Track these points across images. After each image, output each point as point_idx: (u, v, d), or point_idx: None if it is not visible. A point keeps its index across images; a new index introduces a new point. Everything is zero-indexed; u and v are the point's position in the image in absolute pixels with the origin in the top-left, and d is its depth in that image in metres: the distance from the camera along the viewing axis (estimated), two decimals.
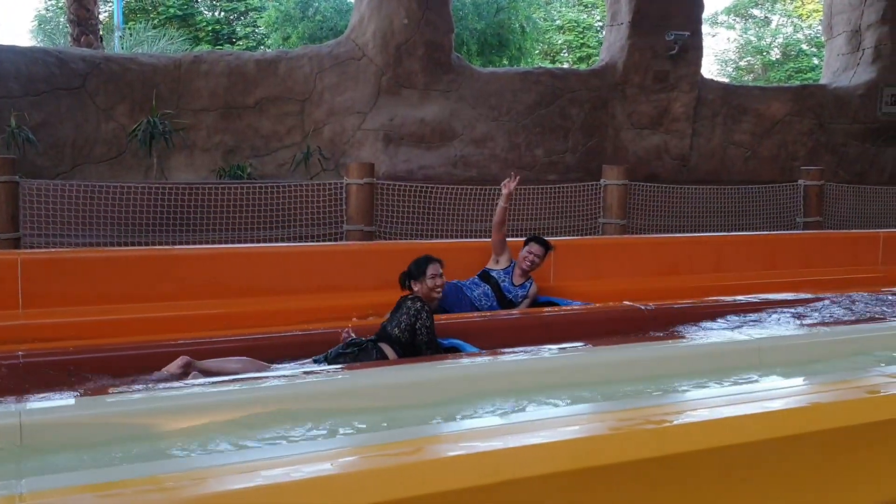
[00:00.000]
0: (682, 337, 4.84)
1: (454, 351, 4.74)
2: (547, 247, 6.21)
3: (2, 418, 3.09)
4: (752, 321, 5.78)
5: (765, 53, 27.93)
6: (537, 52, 23.09)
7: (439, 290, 4.80)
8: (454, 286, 5.84)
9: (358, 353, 4.31)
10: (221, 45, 22.23)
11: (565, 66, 23.54)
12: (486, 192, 10.36)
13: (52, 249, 7.19)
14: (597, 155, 12.64)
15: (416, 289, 4.74)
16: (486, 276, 6.08)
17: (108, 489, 2.01)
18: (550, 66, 21.50)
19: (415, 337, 4.44)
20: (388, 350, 4.39)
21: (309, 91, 11.53)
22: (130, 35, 18.80)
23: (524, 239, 6.29)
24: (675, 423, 2.61)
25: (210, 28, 22.84)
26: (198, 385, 3.68)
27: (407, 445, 2.34)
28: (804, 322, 5.77)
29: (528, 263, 6.11)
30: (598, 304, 6.06)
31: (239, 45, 22.53)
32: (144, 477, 2.13)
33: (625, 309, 5.75)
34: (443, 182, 10.80)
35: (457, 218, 9.84)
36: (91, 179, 9.58)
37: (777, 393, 3.20)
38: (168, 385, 3.78)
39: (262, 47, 21.27)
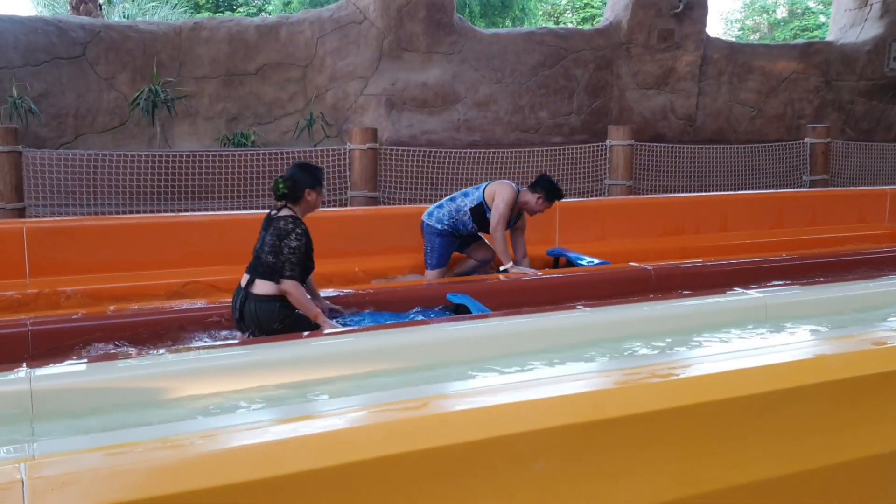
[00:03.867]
0: (688, 295, 4.84)
1: (463, 308, 4.75)
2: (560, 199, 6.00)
3: (13, 384, 3.13)
4: (759, 279, 5.77)
5: (770, 12, 27.57)
6: (540, 12, 22.85)
7: (319, 203, 4.53)
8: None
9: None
10: (222, 11, 22.03)
11: (569, 26, 23.27)
12: (490, 155, 10.32)
13: (57, 218, 7.20)
14: (602, 116, 12.55)
15: (309, 198, 4.40)
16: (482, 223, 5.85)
17: (116, 449, 2.03)
18: (554, 26, 21.26)
19: (278, 257, 4.21)
20: (259, 285, 4.24)
21: (310, 56, 11.44)
22: (133, 4, 18.62)
23: (544, 186, 5.83)
24: (681, 376, 2.61)
25: None
26: (204, 349, 3.71)
27: (414, 402, 2.36)
28: (809, 278, 5.76)
29: (530, 212, 5.90)
30: (603, 264, 6.04)
31: (240, 11, 22.32)
32: (154, 438, 2.15)
33: (631, 270, 5.75)
34: (446, 146, 10.74)
35: (460, 182, 9.78)
36: (94, 149, 9.56)
37: (782, 347, 3.20)
38: (175, 348, 3.81)
39: (262, 13, 21.07)
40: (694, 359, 3.08)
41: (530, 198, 5.79)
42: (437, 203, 5.93)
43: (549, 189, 5.81)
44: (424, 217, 5.87)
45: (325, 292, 4.88)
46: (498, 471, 2.12)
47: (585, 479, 2.23)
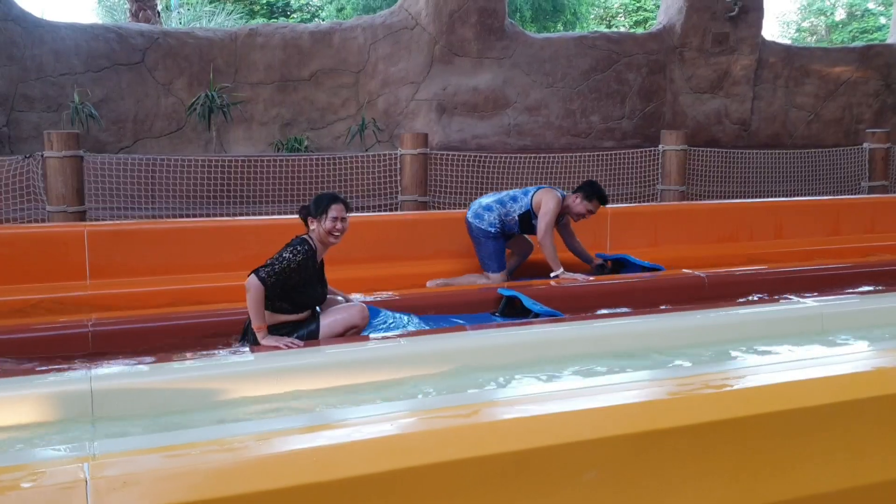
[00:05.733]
0: (743, 304, 4.76)
1: (514, 301, 4.75)
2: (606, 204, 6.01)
3: (74, 384, 3.22)
4: (815, 287, 5.65)
5: (828, 14, 26.95)
6: (592, 16, 22.70)
7: (338, 234, 4.23)
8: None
9: None
10: (276, 17, 22.36)
11: (621, 29, 23.08)
12: (540, 160, 10.28)
13: (117, 222, 7.39)
14: (655, 120, 12.42)
15: (312, 227, 4.23)
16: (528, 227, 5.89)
17: (174, 450, 2.08)
18: (606, 30, 21.10)
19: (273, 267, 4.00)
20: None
21: (363, 62, 11.54)
22: (189, 10, 19.03)
23: (584, 186, 5.87)
24: (735, 387, 2.58)
25: (265, 1, 22.97)
26: (261, 353, 3.77)
27: (464, 409, 2.37)
28: (867, 288, 5.62)
29: (575, 216, 5.87)
30: (655, 267, 5.98)
31: (293, 17, 22.63)
32: (210, 440, 2.19)
33: (684, 277, 5.68)
34: (496, 151, 10.73)
35: (510, 187, 9.77)
36: (152, 153, 9.78)
37: (840, 358, 3.13)
38: (232, 352, 3.88)
39: (316, 19, 21.33)
40: (748, 369, 3.03)
41: (574, 202, 5.79)
42: (483, 203, 5.93)
43: (592, 193, 5.81)
44: (472, 218, 5.89)
45: (379, 295, 4.92)
46: (547, 481, 2.12)
47: (637, 492, 2.21)
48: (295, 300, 4.13)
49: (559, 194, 5.83)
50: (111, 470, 1.87)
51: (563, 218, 5.93)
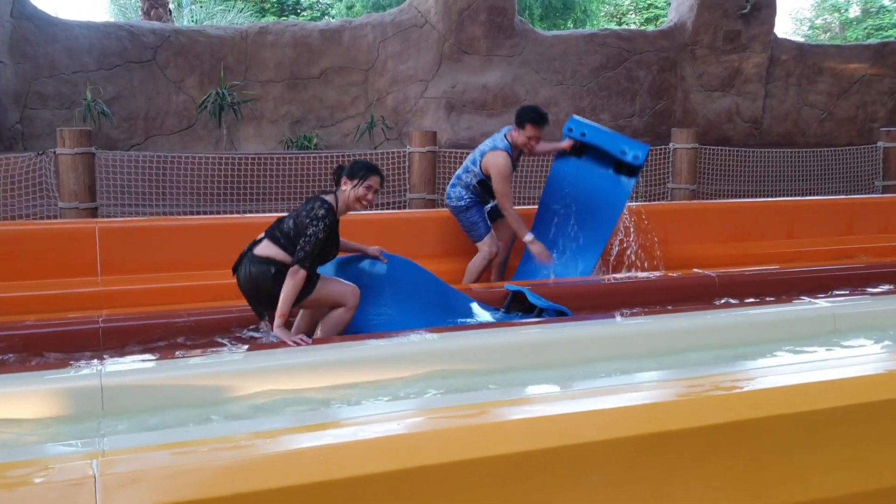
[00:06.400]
0: (754, 304, 4.73)
1: (520, 296, 4.74)
2: (547, 121, 5.74)
3: (85, 380, 3.24)
4: (827, 288, 5.61)
5: (842, 11, 26.78)
6: (602, 14, 22.62)
7: (367, 203, 4.27)
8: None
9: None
10: (286, 15, 22.39)
11: (632, 27, 23.00)
12: (549, 158, 10.25)
13: (128, 218, 7.42)
14: (665, 118, 12.37)
15: (343, 188, 4.23)
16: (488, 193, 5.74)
17: (183, 447, 2.08)
18: (616, 27, 21.03)
19: (299, 238, 4.04)
20: (266, 246, 4.11)
21: (372, 60, 11.55)
22: (200, 8, 19.09)
23: (515, 118, 5.73)
24: (744, 389, 2.56)
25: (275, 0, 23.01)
26: (269, 350, 3.78)
27: (471, 409, 2.37)
28: (880, 288, 5.58)
29: (531, 149, 5.72)
30: (665, 273, 5.96)
31: (304, 15, 22.65)
32: (218, 437, 2.20)
33: (694, 277, 5.65)
34: None
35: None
36: (163, 150, 9.82)
37: (852, 360, 3.11)
38: (240, 349, 3.89)
39: (326, 17, 21.35)
40: (758, 371, 3.02)
41: (516, 140, 5.70)
42: (451, 183, 5.91)
43: (521, 119, 5.66)
44: (447, 201, 5.88)
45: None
46: (554, 482, 2.11)
47: (644, 494, 2.20)
48: (312, 266, 4.14)
49: (502, 147, 5.68)
50: (120, 466, 1.88)
51: (520, 156, 5.85)
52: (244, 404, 3.26)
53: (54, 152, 7.74)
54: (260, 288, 4.10)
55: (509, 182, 5.70)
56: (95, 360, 3.44)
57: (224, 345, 4.03)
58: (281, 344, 3.80)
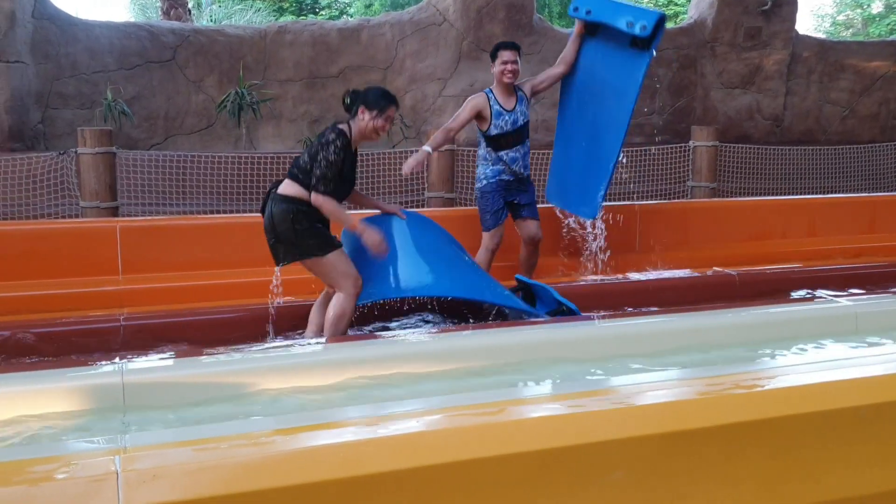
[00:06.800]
0: (775, 303, 4.70)
1: (543, 292, 4.72)
2: (516, 46, 5.66)
3: (107, 377, 3.26)
4: (849, 287, 5.56)
5: (865, 7, 26.49)
6: None
7: (383, 133, 4.30)
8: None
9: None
10: (305, 15, 22.47)
11: None
12: None
13: (148, 217, 7.48)
14: (685, 116, 12.30)
15: (362, 116, 4.19)
16: (503, 141, 5.59)
17: (204, 444, 2.10)
18: None
19: (314, 164, 4.07)
20: (286, 185, 4.16)
21: (391, 59, 11.56)
22: (219, 8, 19.19)
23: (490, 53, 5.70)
24: (766, 388, 2.54)
25: None
26: (290, 347, 3.79)
27: (491, 406, 2.36)
28: None
29: (510, 75, 5.56)
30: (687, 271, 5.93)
31: (322, 14, 22.72)
32: (238, 433, 2.21)
33: (714, 275, 5.62)
34: None
35: (538, 183, 9.75)
36: (183, 150, 9.88)
37: (875, 359, 3.08)
38: (261, 347, 3.90)
39: (344, 16, 21.40)
40: (780, 369, 2.99)
41: (496, 72, 5.60)
42: None
43: (494, 50, 5.65)
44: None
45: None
46: (573, 481, 2.11)
47: (664, 493, 2.19)
48: (338, 195, 4.17)
49: (481, 94, 5.71)
50: (142, 463, 1.89)
51: (520, 96, 5.71)
52: (264, 401, 3.27)
53: (76, 152, 7.82)
54: (278, 227, 4.13)
55: (468, 113, 5.60)
56: (117, 358, 3.47)
57: (244, 343, 4.05)
58: (305, 343, 3.82)
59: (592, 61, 5.67)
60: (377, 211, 4.78)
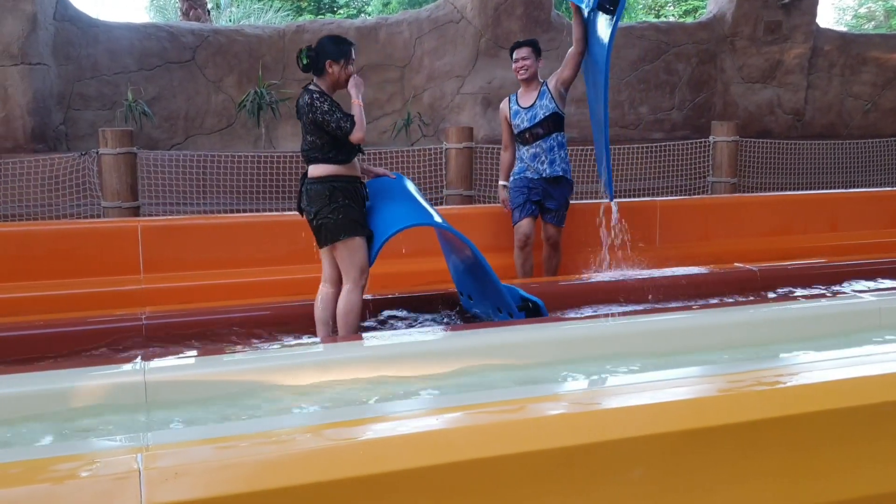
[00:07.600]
0: (797, 298, 4.66)
1: (535, 308, 4.66)
2: (529, 43, 5.82)
3: (129, 376, 3.29)
4: (871, 282, 5.50)
5: None
6: (640, 6, 22.39)
7: (351, 76, 4.33)
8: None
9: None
10: (323, 14, 22.53)
11: (670, 19, 22.71)
12: (586, 152, 10.19)
13: (169, 217, 7.53)
14: (705, 111, 12.21)
15: (330, 70, 4.27)
16: (523, 138, 5.75)
17: (225, 442, 2.11)
18: (655, 20, 20.79)
19: (324, 129, 4.17)
20: (312, 169, 4.24)
21: (408, 57, 11.56)
22: (238, 8, 19.28)
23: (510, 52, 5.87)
24: (788, 384, 2.52)
25: None
26: (310, 345, 3.81)
27: (511, 404, 2.36)
28: None
29: (523, 72, 5.68)
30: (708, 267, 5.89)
31: (340, 13, 22.77)
32: (260, 431, 2.22)
33: (735, 271, 5.58)
34: None
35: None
36: (203, 150, 9.94)
37: None
38: (281, 345, 3.93)
39: (362, 14, 21.43)
40: (802, 366, 2.97)
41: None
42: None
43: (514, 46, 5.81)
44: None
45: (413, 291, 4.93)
46: (593, 478, 2.10)
47: (684, 490, 2.18)
48: (339, 146, 4.22)
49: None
50: (163, 461, 1.91)
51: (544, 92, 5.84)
52: (286, 399, 3.29)
53: (97, 152, 7.89)
54: (316, 206, 4.18)
55: (501, 123, 5.93)
56: (139, 356, 3.50)
57: (265, 341, 4.08)
58: (325, 341, 3.83)
59: (592, 41, 5.76)
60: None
